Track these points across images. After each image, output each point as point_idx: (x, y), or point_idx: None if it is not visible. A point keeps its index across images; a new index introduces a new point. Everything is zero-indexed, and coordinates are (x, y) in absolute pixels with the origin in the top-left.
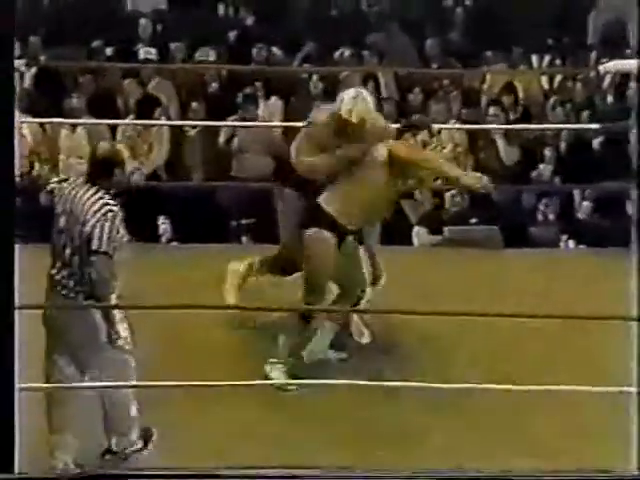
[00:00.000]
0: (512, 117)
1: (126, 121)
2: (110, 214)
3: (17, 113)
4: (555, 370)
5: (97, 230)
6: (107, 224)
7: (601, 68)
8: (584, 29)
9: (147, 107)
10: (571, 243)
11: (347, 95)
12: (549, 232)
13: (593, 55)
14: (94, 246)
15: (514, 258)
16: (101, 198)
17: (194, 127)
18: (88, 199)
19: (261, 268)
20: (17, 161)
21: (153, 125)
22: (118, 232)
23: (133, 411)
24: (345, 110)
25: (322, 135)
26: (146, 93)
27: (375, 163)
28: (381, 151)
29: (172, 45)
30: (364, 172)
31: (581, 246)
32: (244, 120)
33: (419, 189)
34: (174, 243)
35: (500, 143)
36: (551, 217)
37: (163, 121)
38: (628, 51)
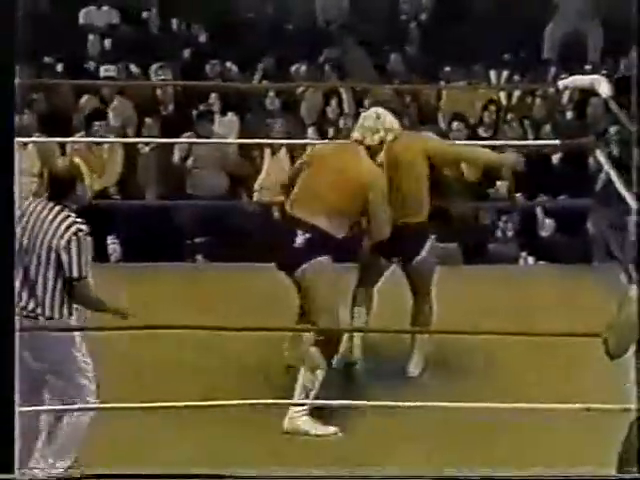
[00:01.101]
0: (487, 134)
1: (86, 139)
2: (80, 233)
3: None
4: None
5: (71, 254)
6: (79, 245)
7: (560, 84)
8: (541, 43)
9: (97, 121)
10: (530, 259)
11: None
12: (508, 248)
13: (552, 70)
14: (74, 273)
15: (473, 275)
16: (67, 217)
17: (148, 144)
18: (54, 218)
19: None
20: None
21: (106, 142)
22: (89, 252)
23: (78, 440)
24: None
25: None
26: (95, 107)
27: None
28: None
29: (127, 61)
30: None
31: (541, 262)
32: (199, 137)
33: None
34: (127, 263)
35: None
36: (510, 234)
37: (118, 138)
38: (587, 67)
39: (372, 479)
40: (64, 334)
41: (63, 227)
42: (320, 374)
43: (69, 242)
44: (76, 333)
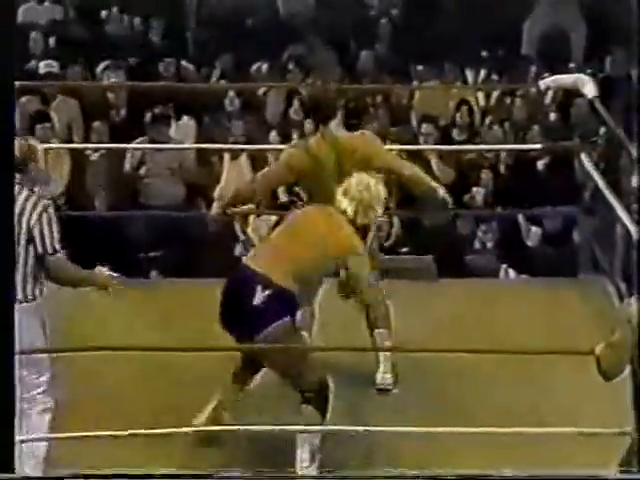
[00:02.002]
0: (461, 137)
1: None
2: (50, 209)
3: None
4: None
5: (42, 229)
6: (50, 219)
7: (541, 83)
8: (521, 41)
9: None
10: (512, 272)
11: None
12: (487, 261)
13: (533, 69)
14: (48, 248)
15: (449, 289)
16: (31, 195)
17: (97, 150)
18: (20, 199)
19: None
20: None
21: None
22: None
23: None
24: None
25: None
26: (38, 109)
27: None
28: None
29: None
30: None
31: (523, 276)
32: (153, 142)
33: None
34: None
35: (434, 162)
36: (489, 245)
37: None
38: (571, 65)
39: (372, 479)
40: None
41: (30, 205)
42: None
43: (40, 217)
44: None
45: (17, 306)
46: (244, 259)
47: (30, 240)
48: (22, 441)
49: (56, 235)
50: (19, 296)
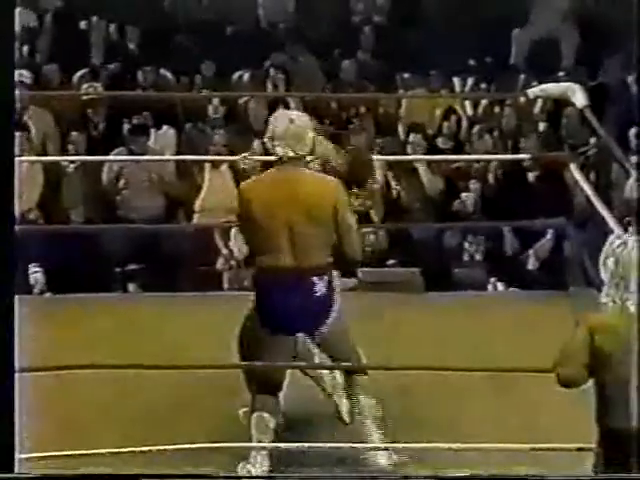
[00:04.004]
0: (447, 146)
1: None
2: None
3: None
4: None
5: None
6: None
7: (530, 92)
8: (509, 49)
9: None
10: (500, 285)
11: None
12: (475, 273)
13: (522, 78)
14: None
15: (436, 303)
16: None
17: (73, 162)
18: None
19: None
20: None
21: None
22: None
23: None
24: None
25: None
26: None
27: None
28: None
29: (46, 68)
30: None
31: (512, 289)
32: (132, 153)
33: None
34: (48, 294)
35: (422, 172)
36: (478, 257)
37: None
38: (561, 73)
39: (372, 479)
40: None
41: None
42: None
43: None
44: None
45: None
46: (267, 263)
47: None
48: None
49: None
50: None
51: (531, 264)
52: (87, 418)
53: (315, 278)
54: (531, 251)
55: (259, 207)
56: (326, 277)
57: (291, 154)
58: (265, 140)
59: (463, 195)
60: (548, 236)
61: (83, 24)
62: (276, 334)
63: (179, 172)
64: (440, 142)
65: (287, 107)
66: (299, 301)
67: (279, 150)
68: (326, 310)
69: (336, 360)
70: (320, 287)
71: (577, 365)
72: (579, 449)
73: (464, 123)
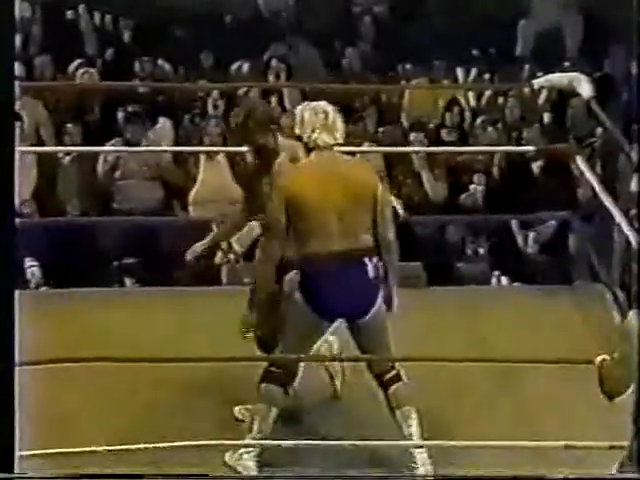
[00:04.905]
0: (450, 138)
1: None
2: None
3: None
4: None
5: None
6: None
7: (535, 83)
8: (514, 39)
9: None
10: (504, 280)
11: None
12: (479, 268)
13: (526, 68)
14: None
15: (439, 298)
16: None
17: (69, 153)
18: None
19: None
20: None
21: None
22: None
23: None
24: None
25: None
26: None
27: None
28: None
29: (38, 59)
30: None
31: (516, 283)
32: (128, 143)
33: None
34: (44, 288)
35: (425, 178)
36: (481, 251)
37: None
38: (566, 64)
39: (371, 479)
40: None
41: None
42: None
43: None
44: None
45: None
46: (316, 249)
47: None
48: None
49: None
50: None
51: (530, 247)
52: (78, 413)
53: (366, 259)
54: (531, 234)
55: (309, 196)
56: (375, 259)
57: (332, 142)
58: (297, 131)
59: (472, 187)
60: (549, 223)
61: (72, 13)
62: (326, 318)
63: (176, 162)
64: (444, 134)
65: (281, 98)
66: (353, 283)
67: (323, 139)
68: (375, 294)
69: (368, 352)
70: (371, 268)
71: (624, 376)
72: (611, 447)
73: (467, 114)
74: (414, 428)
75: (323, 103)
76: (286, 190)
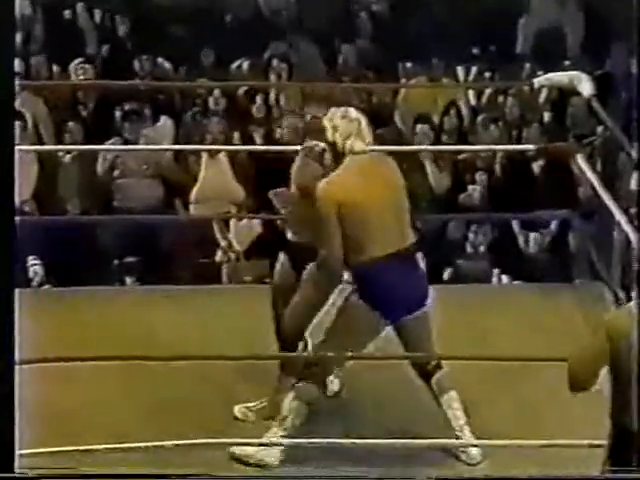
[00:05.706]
0: (450, 141)
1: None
2: None
3: None
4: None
5: None
6: None
7: (535, 81)
8: (514, 37)
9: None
10: (505, 278)
11: None
12: (479, 266)
13: (527, 67)
14: None
15: (438, 296)
16: None
17: (69, 152)
18: None
19: None
20: None
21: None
22: None
23: None
24: None
25: None
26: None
27: None
28: None
29: (35, 59)
30: None
31: (517, 282)
32: (127, 142)
33: None
34: (46, 287)
35: (429, 169)
36: (482, 249)
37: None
38: (566, 62)
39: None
40: None
41: None
42: None
43: None
44: None
45: None
46: (374, 253)
47: None
48: None
49: None
50: None
51: (531, 248)
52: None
53: (418, 255)
54: (532, 235)
55: (358, 202)
56: (421, 254)
57: (364, 148)
58: (330, 137)
59: (470, 187)
60: (552, 226)
61: (69, 13)
62: (392, 318)
63: (176, 161)
64: (444, 138)
65: (267, 97)
66: (412, 279)
67: (358, 145)
68: (427, 284)
69: (415, 346)
70: (422, 264)
71: (593, 372)
72: (590, 445)
73: (465, 114)
74: (459, 412)
75: (352, 109)
76: (336, 198)
